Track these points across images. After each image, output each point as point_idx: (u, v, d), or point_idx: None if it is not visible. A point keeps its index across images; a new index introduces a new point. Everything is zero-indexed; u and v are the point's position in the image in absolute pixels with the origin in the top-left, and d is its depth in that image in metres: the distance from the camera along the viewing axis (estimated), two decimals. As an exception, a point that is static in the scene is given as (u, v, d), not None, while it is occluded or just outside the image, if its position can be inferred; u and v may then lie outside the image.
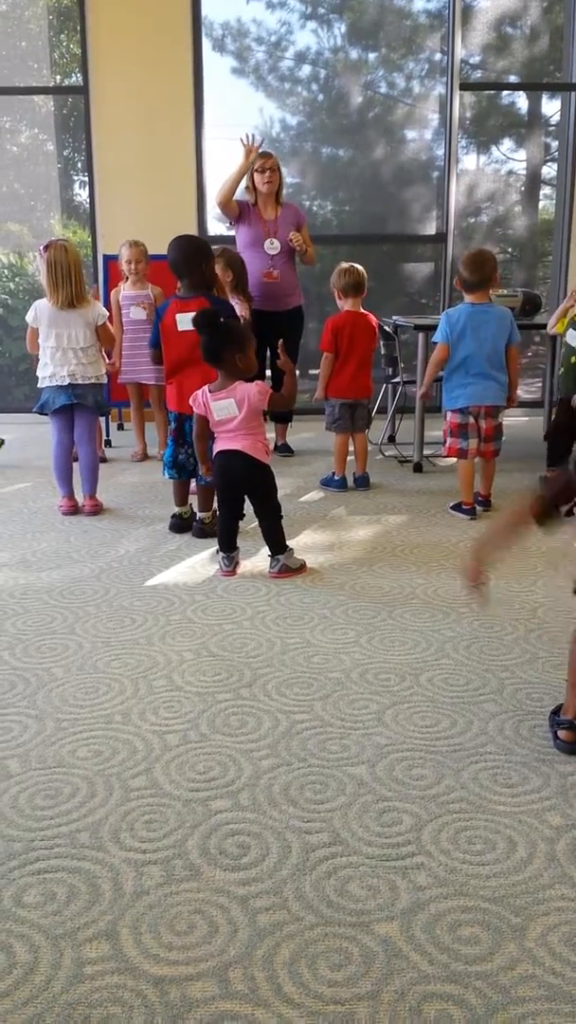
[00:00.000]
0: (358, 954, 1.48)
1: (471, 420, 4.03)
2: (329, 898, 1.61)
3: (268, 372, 5.12)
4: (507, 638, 2.75)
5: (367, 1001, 1.39)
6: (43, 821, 1.84)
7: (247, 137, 5.06)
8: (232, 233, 5.49)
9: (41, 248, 4.07)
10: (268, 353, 4.89)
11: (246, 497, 3.43)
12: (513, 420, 6.24)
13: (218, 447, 3.35)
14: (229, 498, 3.39)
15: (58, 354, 4.03)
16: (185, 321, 3.67)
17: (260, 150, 5.13)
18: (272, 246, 5.13)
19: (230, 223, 5.32)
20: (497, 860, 1.71)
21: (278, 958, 1.47)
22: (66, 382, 4.03)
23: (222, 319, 3.31)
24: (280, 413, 5.24)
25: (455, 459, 4.18)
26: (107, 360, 4.30)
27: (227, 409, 3.27)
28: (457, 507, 4.15)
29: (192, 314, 3.64)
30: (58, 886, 1.64)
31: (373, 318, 4.63)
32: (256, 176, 5.07)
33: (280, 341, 3.41)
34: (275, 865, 1.70)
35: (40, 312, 4.05)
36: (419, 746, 2.12)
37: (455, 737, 2.16)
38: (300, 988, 1.41)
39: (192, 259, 3.71)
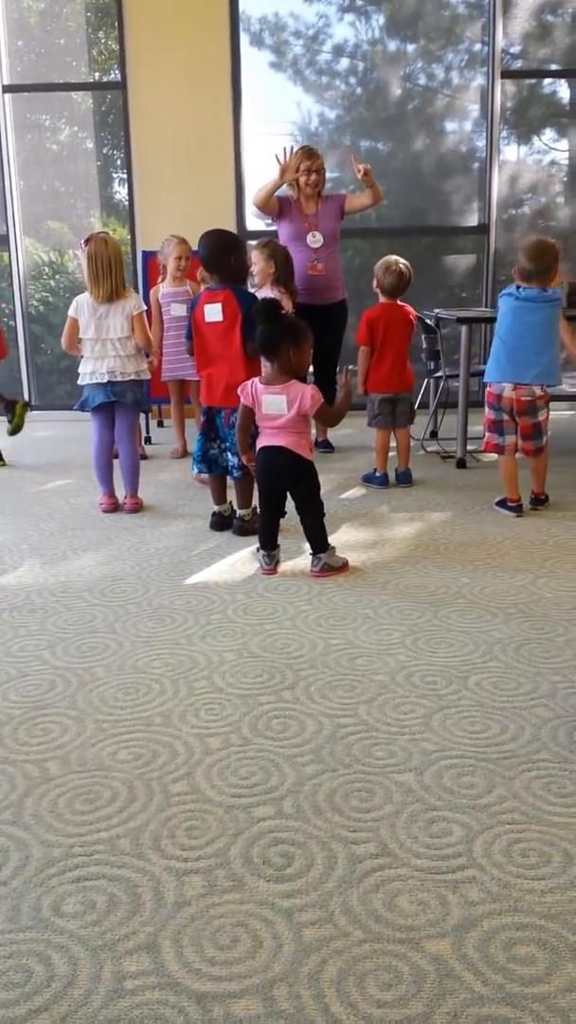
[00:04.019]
0: (408, 973, 1.41)
1: (505, 416, 3.92)
2: (377, 912, 1.54)
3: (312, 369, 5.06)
4: (559, 640, 2.66)
5: (419, 1023, 1.32)
6: (82, 826, 1.80)
7: (283, 152, 4.97)
8: (272, 228, 5.44)
9: (82, 242, 4.06)
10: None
11: (287, 494, 3.38)
12: (561, 414, 6.11)
13: (261, 443, 3.29)
14: (271, 495, 3.33)
15: (97, 346, 4.01)
16: (212, 312, 3.65)
17: (305, 147, 5.09)
18: (315, 239, 5.08)
19: (271, 219, 5.28)
20: (553, 874, 1.63)
21: (325, 976, 1.41)
22: (105, 379, 4.01)
23: (281, 312, 3.26)
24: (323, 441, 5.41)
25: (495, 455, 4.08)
26: (146, 359, 4.24)
27: (277, 405, 3.21)
28: (502, 503, 4.05)
29: (218, 305, 3.62)
30: (98, 895, 1.60)
31: (410, 309, 4.54)
32: (300, 177, 5.02)
33: (347, 368, 3.39)
34: (320, 876, 1.64)
35: (81, 305, 4.04)
36: (468, 753, 2.04)
37: (506, 743, 2.08)
38: (348, 1008, 1.35)
39: (221, 252, 3.69)
